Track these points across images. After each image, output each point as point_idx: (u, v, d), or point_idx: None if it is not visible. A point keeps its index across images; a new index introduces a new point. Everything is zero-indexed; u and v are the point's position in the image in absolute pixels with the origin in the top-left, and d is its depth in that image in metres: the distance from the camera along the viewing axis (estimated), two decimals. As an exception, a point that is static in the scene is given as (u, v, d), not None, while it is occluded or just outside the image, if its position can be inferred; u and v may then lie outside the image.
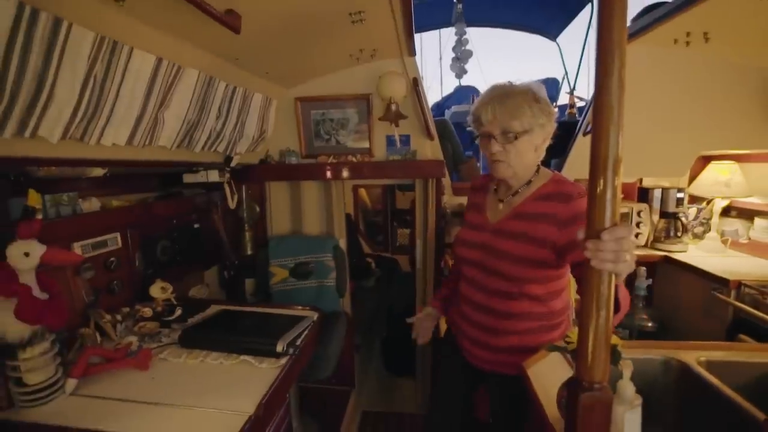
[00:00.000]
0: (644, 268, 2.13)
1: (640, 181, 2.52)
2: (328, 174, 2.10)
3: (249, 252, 2.20)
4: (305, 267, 2.02)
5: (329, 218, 2.21)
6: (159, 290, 1.61)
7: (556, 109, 4.73)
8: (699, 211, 2.41)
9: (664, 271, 2.28)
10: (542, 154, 1.15)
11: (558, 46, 4.80)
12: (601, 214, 0.68)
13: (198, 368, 1.17)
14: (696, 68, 1.89)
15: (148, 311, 1.51)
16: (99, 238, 1.46)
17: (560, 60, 4.86)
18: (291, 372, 1.17)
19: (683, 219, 2.33)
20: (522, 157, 1.10)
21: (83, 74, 0.94)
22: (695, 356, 1.13)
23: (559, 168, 2.32)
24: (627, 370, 0.73)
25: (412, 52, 1.96)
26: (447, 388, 1.41)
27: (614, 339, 0.78)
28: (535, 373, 1.05)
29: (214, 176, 1.96)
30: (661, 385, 1.15)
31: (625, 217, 2.42)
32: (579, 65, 4.54)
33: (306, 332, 1.34)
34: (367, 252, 3.73)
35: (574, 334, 0.81)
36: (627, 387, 0.72)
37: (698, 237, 2.39)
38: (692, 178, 2.42)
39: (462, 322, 1.29)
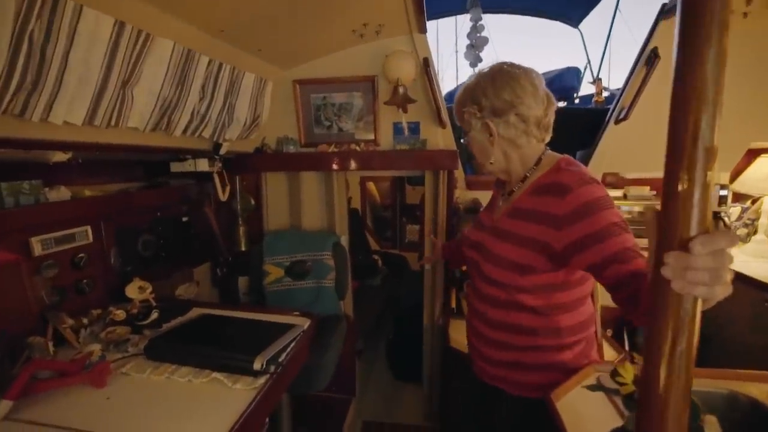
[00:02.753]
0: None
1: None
2: (330, 164, 1.92)
3: (243, 248, 2.03)
4: (302, 266, 1.84)
5: (330, 212, 2.02)
6: (136, 290, 1.45)
7: (577, 100, 4.48)
8: (744, 210, 2.15)
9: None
10: (525, 142, 0.96)
11: (580, 32, 4.52)
12: (686, 218, 0.47)
13: (162, 386, 0.99)
14: (753, 44, 1.62)
15: (120, 314, 1.34)
16: (65, 232, 1.30)
17: (582, 48, 4.58)
18: (270, 393, 0.99)
19: (726, 219, 2.08)
20: (477, 148, 1.02)
21: (10, 31, 0.76)
22: (764, 390, 0.91)
23: (585, 161, 2.09)
24: (711, 429, 0.52)
25: (422, 29, 1.75)
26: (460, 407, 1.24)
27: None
28: (565, 408, 0.85)
29: (203, 165, 1.79)
30: (728, 423, 0.93)
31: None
32: (603, 53, 4.27)
33: (294, 343, 1.16)
34: (375, 249, 3.55)
35: (627, 371, 0.61)
36: (709, 455, 0.52)
37: (742, 240, 2.14)
38: (737, 174, 2.16)
39: (468, 329, 1.16)
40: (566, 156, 0.98)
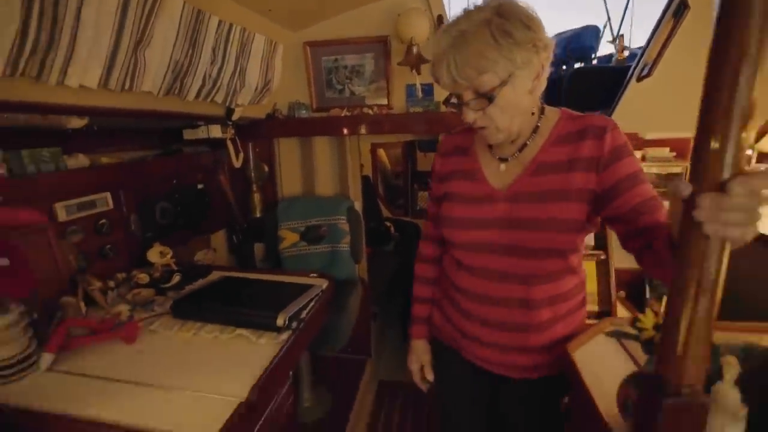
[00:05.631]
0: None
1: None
2: (342, 128, 1.90)
3: (258, 214, 2.06)
4: (317, 231, 1.86)
5: (343, 178, 2.02)
6: (157, 255, 1.48)
7: (595, 60, 4.30)
8: None
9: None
10: (542, 87, 0.83)
11: (600, -13, 4.29)
12: (717, 160, 0.46)
13: (190, 342, 1.04)
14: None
15: (144, 277, 1.39)
16: (86, 198, 1.33)
17: (603, 4, 4.36)
18: (293, 348, 1.03)
19: (747, 179, 2.03)
20: (512, 114, 0.80)
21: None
22: (786, 342, 0.92)
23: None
24: (730, 370, 0.53)
25: (436, -16, 1.68)
26: (456, 398, 1.13)
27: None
28: (582, 360, 0.87)
29: (216, 132, 1.79)
30: (741, 378, 0.95)
31: (678, 179, 2.13)
32: (625, 9, 4.06)
33: (313, 303, 1.19)
34: (387, 216, 3.56)
35: (648, 318, 0.62)
36: (729, 393, 0.53)
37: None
38: (763, 133, 2.08)
39: (464, 323, 0.98)
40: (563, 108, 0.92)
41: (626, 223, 0.78)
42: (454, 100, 0.83)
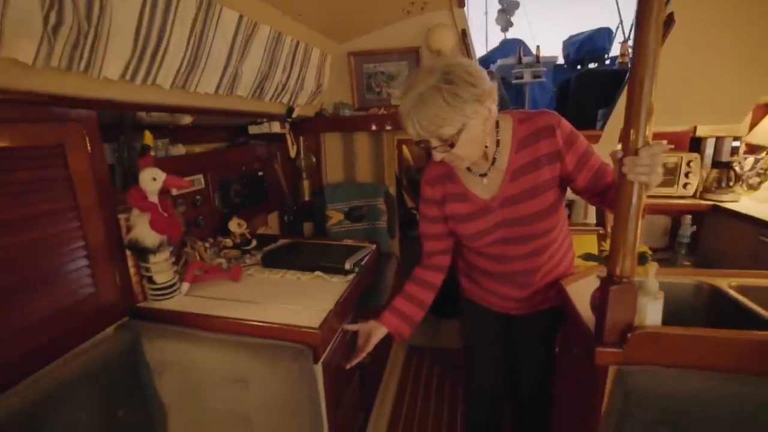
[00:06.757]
0: (690, 216, 2.15)
1: (695, 130, 2.46)
2: (377, 125, 2.22)
3: (306, 198, 2.42)
4: (359, 210, 2.21)
5: (380, 167, 2.37)
6: (236, 225, 1.86)
7: (608, 61, 4.54)
8: (757, 161, 2.35)
9: (712, 220, 2.27)
10: (495, 116, 1.00)
11: (614, -8, 4.52)
12: (636, 135, 0.79)
13: (280, 281, 1.41)
14: None
15: (228, 242, 1.76)
16: (188, 178, 1.71)
17: (615, 7, 4.59)
18: (357, 286, 1.38)
19: (737, 168, 2.29)
20: (471, 148, 0.99)
21: (189, 29, 1.12)
22: (727, 281, 1.22)
23: (606, 118, 2.32)
24: (652, 269, 0.86)
25: (461, 3, 2.01)
26: (480, 337, 1.48)
27: (644, 248, 0.91)
28: (572, 290, 1.19)
29: (276, 127, 2.16)
30: (690, 309, 1.25)
31: (674, 168, 2.40)
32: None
33: (367, 258, 1.54)
34: (411, 206, 3.90)
35: (608, 244, 0.94)
36: (650, 282, 0.85)
37: (753, 188, 2.35)
38: (753, 126, 2.34)
39: (491, 290, 1.31)
40: (506, 111, 1.13)
41: (592, 186, 1.08)
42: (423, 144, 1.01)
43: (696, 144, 2.47)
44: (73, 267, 1.03)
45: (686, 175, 2.39)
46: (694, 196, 2.41)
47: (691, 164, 2.39)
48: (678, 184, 2.42)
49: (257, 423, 1.07)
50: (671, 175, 2.41)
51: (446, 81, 0.90)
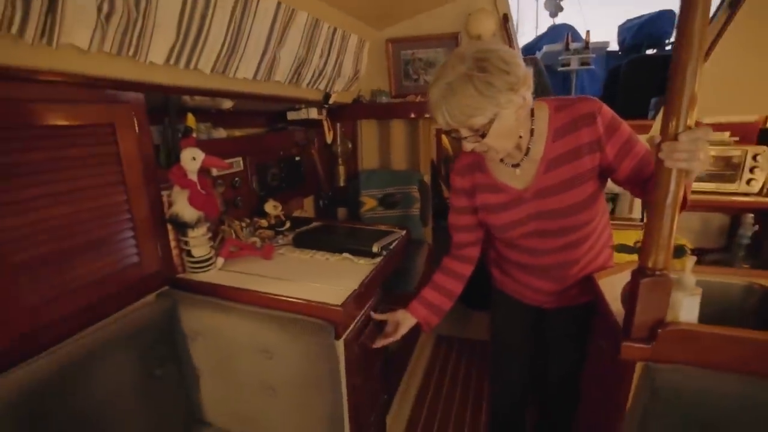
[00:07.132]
0: (752, 215, 1.97)
1: (766, 120, 2.23)
2: (414, 113, 2.22)
3: (342, 184, 2.46)
4: (392, 197, 2.23)
5: (415, 155, 2.36)
6: (272, 207, 1.93)
7: (668, 47, 4.17)
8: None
9: (779, 221, 2.07)
10: (530, 104, 0.96)
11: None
12: (676, 121, 0.73)
13: (309, 261, 1.45)
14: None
15: (264, 222, 1.84)
16: (227, 161, 1.79)
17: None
18: (383, 269, 1.40)
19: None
20: (504, 139, 0.95)
21: (229, 15, 1.17)
22: (782, 283, 1.12)
23: (660, 107, 2.17)
24: (690, 263, 0.80)
25: (503, -14, 1.94)
26: (510, 329, 1.45)
27: (683, 240, 0.85)
28: (605, 283, 1.14)
29: (313, 113, 2.20)
30: (738, 311, 1.16)
31: (738, 163, 2.20)
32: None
33: (396, 243, 1.55)
34: (447, 196, 3.86)
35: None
36: (687, 277, 0.80)
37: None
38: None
39: (525, 283, 1.28)
40: (543, 98, 1.06)
41: (635, 176, 1.00)
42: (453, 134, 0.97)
43: (765, 136, 2.24)
44: (121, 237, 1.12)
45: (751, 170, 2.18)
46: (759, 194, 2.20)
47: (758, 158, 2.17)
48: (741, 180, 2.21)
49: (281, 392, 1.13)
50: (734, 170, 2.21)
51: (479, 69, 0.85)
